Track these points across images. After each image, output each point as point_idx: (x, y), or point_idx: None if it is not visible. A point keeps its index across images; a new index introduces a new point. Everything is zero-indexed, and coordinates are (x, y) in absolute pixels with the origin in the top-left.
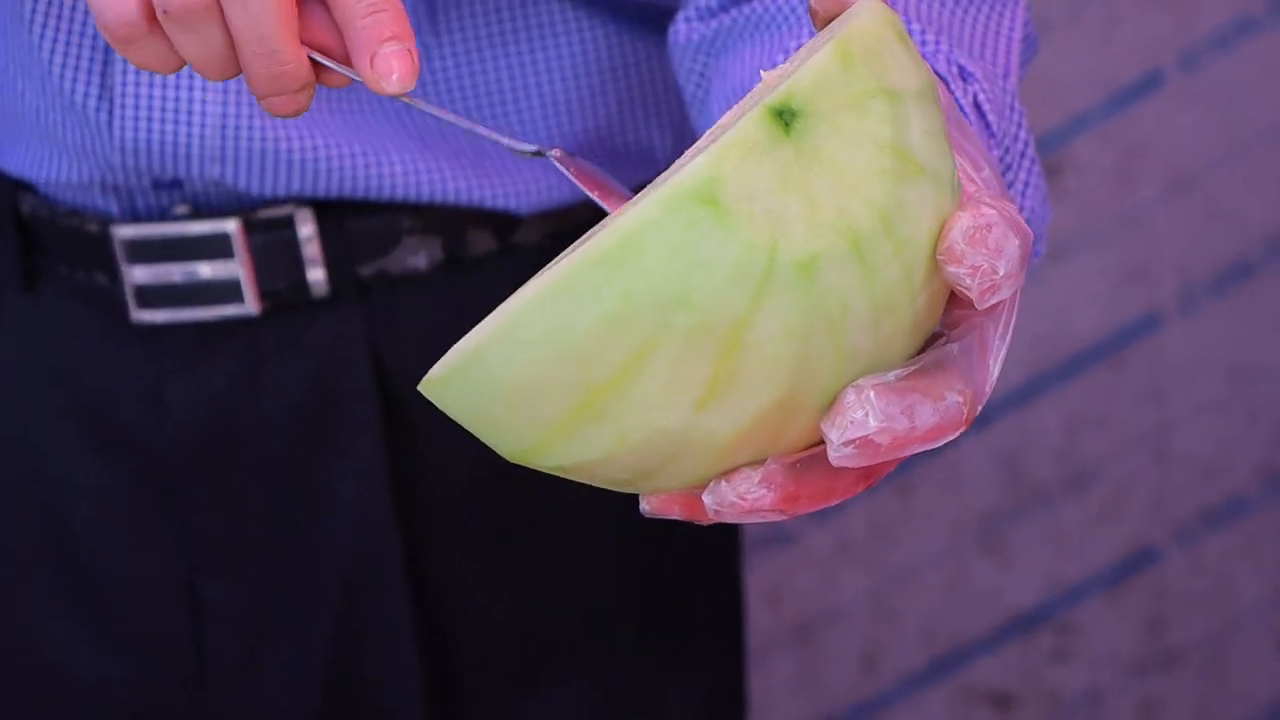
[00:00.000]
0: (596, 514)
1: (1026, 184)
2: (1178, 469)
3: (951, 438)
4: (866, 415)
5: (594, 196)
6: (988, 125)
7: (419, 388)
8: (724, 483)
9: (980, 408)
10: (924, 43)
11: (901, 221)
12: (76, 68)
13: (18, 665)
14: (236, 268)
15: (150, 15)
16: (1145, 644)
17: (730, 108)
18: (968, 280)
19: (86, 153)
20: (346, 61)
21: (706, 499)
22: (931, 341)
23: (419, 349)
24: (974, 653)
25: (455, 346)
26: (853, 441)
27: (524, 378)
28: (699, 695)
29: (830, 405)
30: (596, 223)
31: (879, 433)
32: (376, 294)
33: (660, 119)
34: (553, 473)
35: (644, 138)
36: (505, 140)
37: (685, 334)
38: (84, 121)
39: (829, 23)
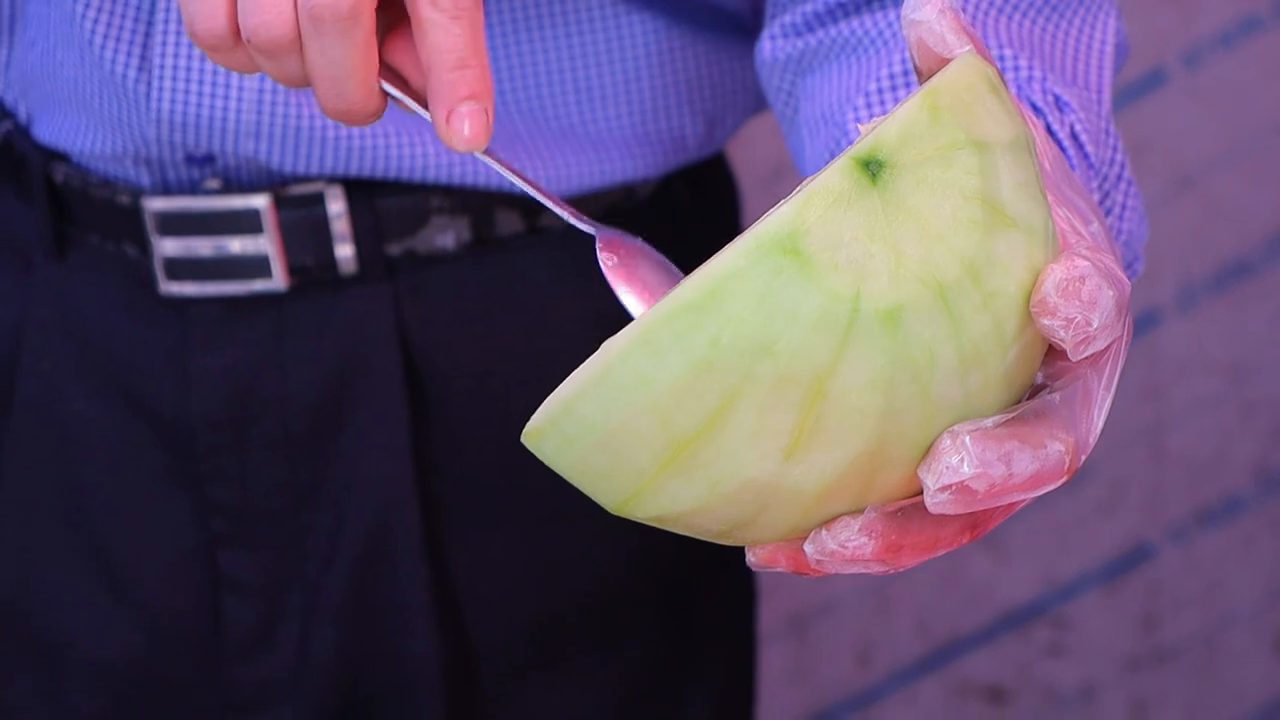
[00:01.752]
0: None
1: (1124, 207)
2: (1174, 466)
3: (1052, 487)
4: (962, 461)
5: (625, 291)
6: (1086, 156)
7: (522, 439)
8: (824, 531)
9: (1084, 457)
10: (1017, 68)
11: (990, 272)
12: (118, 39)
13: (34, 632)
14: (266, 243)
15: (236, 33)
16: (1139, 640)
17: (819, 132)
18: (1061, 333)
19: (122, 124)
20: (421, 90)
21: (808, 548)
22: (1033, 393)
23: (445, 328)
24: (969, 646)
25: (550, 397)
26: (949, 487)
27: (616, 427)
28: (714, 681)
29: (926, 453)
30: (626, 207)
31: (975, 479)
32: (404, 273)
33: (693, 107)
34: (653, 524)
35: (675, 125)
36: (567, 215)
37: (770, 383)
38: (121, 93)
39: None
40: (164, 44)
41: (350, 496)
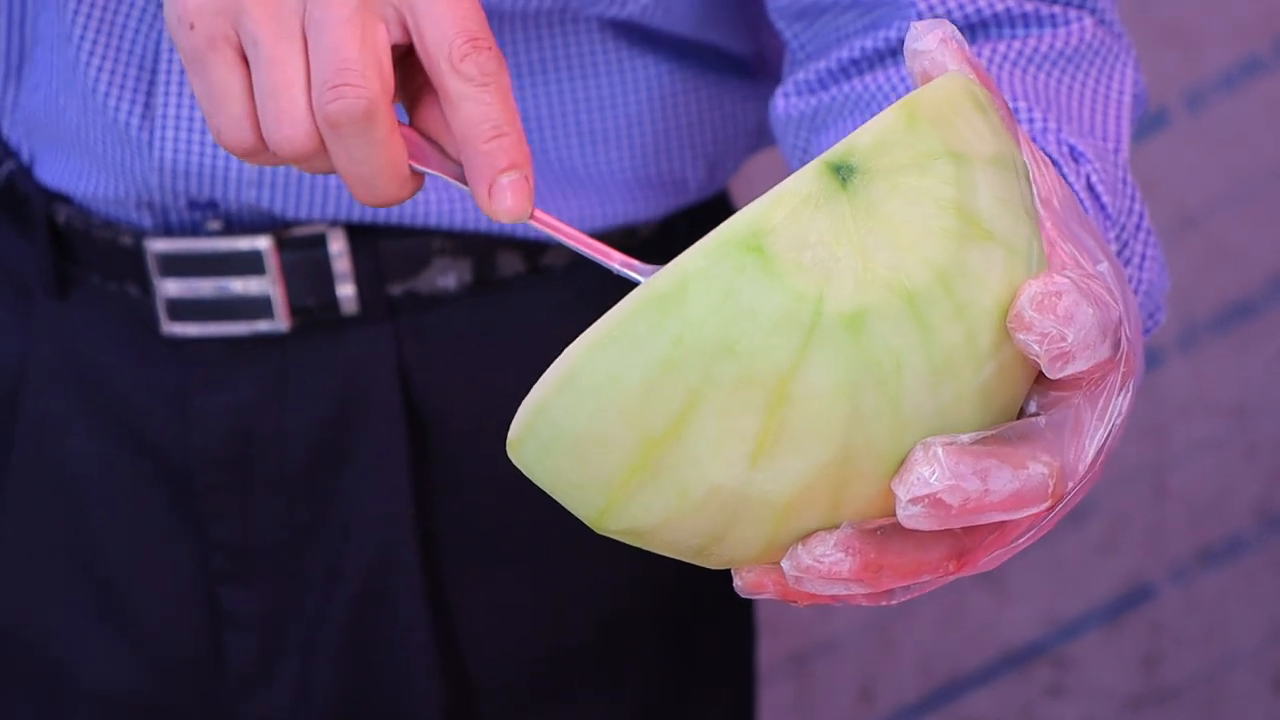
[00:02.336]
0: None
1: (1144, 257)
2: (1175, 506)
3: (1035, 511)
4: (934, 472)
5: None
6: (1102, 207)
7: (507, 451)
8: (800, 547)
9: (1072, 486)
10: (1031, 120)
11: (963, 283)
12: (121, 86)
13: (37, 666)
14: (268, 284)
15: (263, 142)
16: (1140, 680)
17: None
18: (1035, 347)
19: (124, 170)
20: (456, 157)
21: (785, 564)
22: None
23: (446, 369)
24: (970, 685)
25: (525, 400)
26: (920, 499)
27: (585, 429)
28: (714, 714)
29: (900, 466)
30: (627, 248)
31: (948, 491)
32: (406, 313)
33: (695, 150)
34: (631, 542)
35: (677, 168)
36: (618, 268)
37: (733, 383)
38: (124, 140)
39: None
40: (167, 93)
41: (350, 534)
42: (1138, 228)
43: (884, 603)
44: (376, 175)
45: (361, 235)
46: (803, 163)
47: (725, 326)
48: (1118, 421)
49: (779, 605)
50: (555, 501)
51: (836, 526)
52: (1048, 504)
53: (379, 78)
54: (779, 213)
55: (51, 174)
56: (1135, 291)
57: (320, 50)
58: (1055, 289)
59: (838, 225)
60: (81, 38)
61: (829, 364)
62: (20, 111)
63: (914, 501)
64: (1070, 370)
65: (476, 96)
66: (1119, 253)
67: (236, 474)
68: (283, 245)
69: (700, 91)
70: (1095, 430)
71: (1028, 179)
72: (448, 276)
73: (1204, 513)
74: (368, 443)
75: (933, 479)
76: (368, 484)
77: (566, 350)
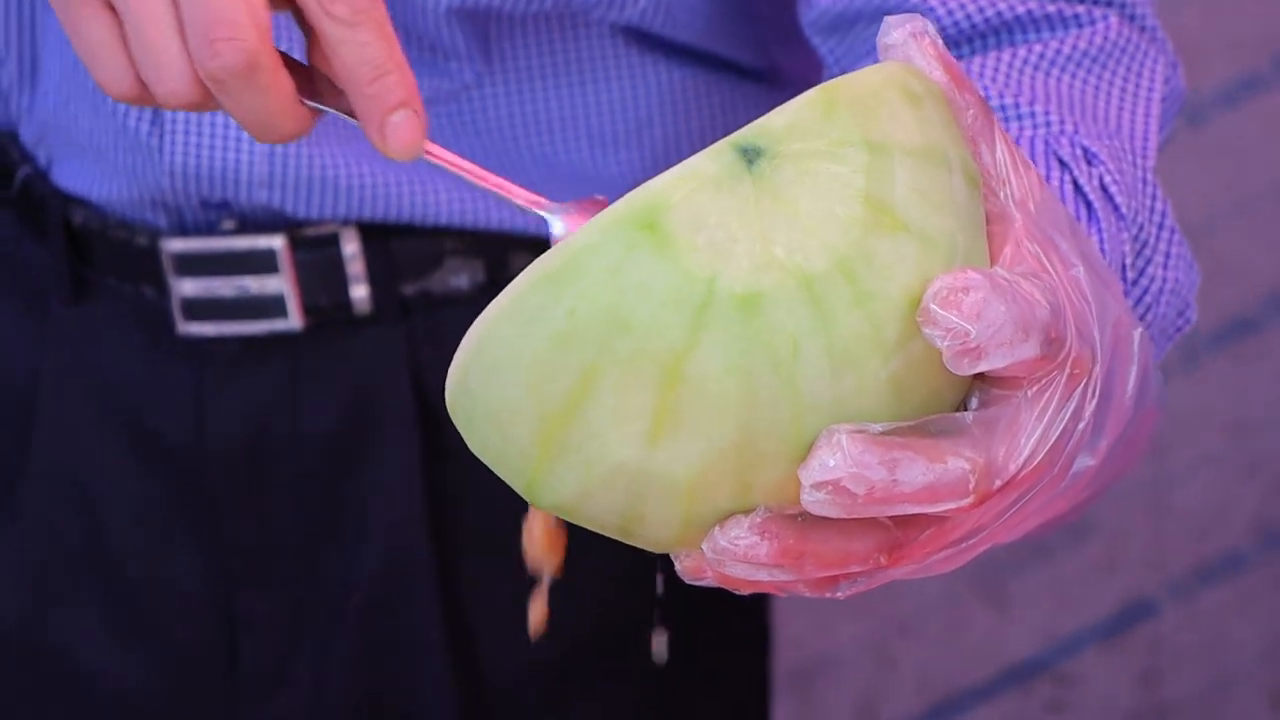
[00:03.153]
0: None
1: (1168, 255)
2: (1175, 523)
3: (954, 506)
4: (835, 458)
5: None
6: (1116, 207)
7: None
8: (718, 529)
9: (1000, 484)
10: (1048, 124)
11: (868, 272)
12: None
13: (50, 673)
14: (282, 283)
15: (148, 90)
16: (1140, 696)
17: None
18: (939, 342)
19: (137, 174)
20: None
21: (704, 546)
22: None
23: None
24: (970, 702)
25: (450, 370)
26: (823, 485)
27: (498, 401)
28: (732, 712)
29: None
30: None
31: (851, 479)
32: (418, 313)
33: None
34: (561, 516)
35: None
36: (522, 202)
37: (626, 359)
38: (135, 145)
39: None
40: None
41: (364, 535)
42: (1160, 226)
43: (826, 594)
44: (270, 118)
45: (374, 234)
46: (835, 67)
47: (617, 301)
48: (1067, 425)
49: (780, 623)
50: None
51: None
52: (970, 500)
53: (254, 25)
54: (678, 191)
55: (67, 177)
56: (1160, 290)
57: (191, 4)
58: (963, 284)
59: (739, 207)
60: None
61: (721, 345)
62: (35, 115)
63: (816, 487)
64: (982, 367)
65: (351, 38)
66: (1139, 252)
67: (251, 476)
68: (296, 244)
69: (712, 96)
70: (1033, 430)
71: (969, 177)
72: (460, 277)
73: (1204, 529)
74: (381, 443)
75: (834, 465)
76: (381, 484)
77: (478, 318)
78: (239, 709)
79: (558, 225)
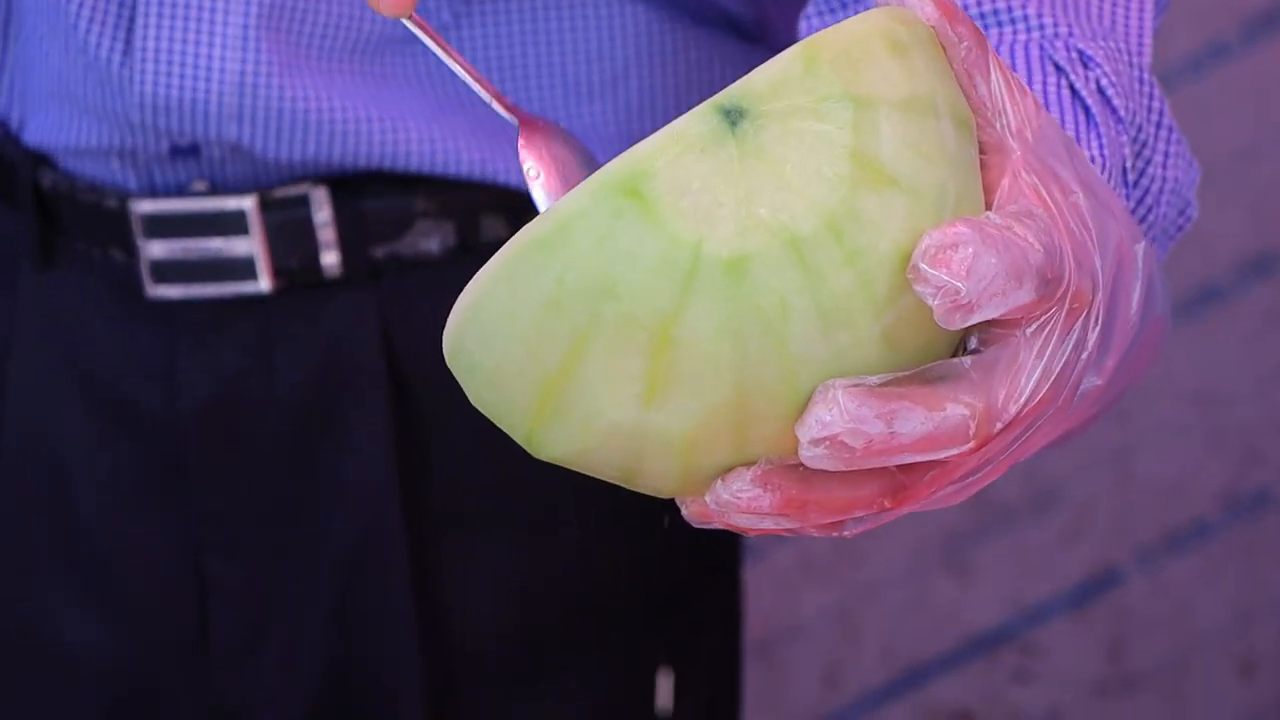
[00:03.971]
0: (601, 505)
1: (1167, 154)
2: (1141, 491)
3: (956, 452)
4: (831, 414)
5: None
6: (1114, 110)
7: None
8: (720, 482)
9: (999, 425)
10: (1042, 26)
11: (856, 230)
12: (103, 22)
13: (20, 641)
14: (251, 244)
15: None
16: (1106, 665)
17: None
18: (930, 300)
19: (106, 113)
20: None
21: (707, 498)
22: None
23: (430, 333)
24: (936, 671)
25: (447, 325)
26: (820, 441)
27: (496, 362)
28: (701, 694)
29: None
30: None
31: (848, 434)
32: (388, 277)
33: (681, 107)
34: (564, 465)
35: (662, 125)
36: (492, 100)
37: (616, 325)
38: (106, 78)
39: None
40: (146, 26)
41: (336, 501)
42: (1158, 125)
43: (833, 534)
44: None
45: (344, 194)
46: None
47: (605, 268)
48: (1069, 357)
49: (745, 592)
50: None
51: (754, 462)
52: (970, 445)
53: None
54: (662, 156)
55: (34, 131)
56: (1160, 190)
57: None
58: (952, 240)
59: (723, 170)
60: None
61: (710, 308)
62: (11, 70)
63: (814, 443)
64: (975, 319)
65: None
66: (1138, 153)
67: (222, 441)
68: (266, 205)
69: (690, 51)
70: (1033, 369)
71: (959, 120)
72: (431, 240)
73: (1170, 498)
74: (352, 408)
75: (831, 421)
76: (352, 450)
77: (472, 280)
78: (210, 676)
79: (520, 140)
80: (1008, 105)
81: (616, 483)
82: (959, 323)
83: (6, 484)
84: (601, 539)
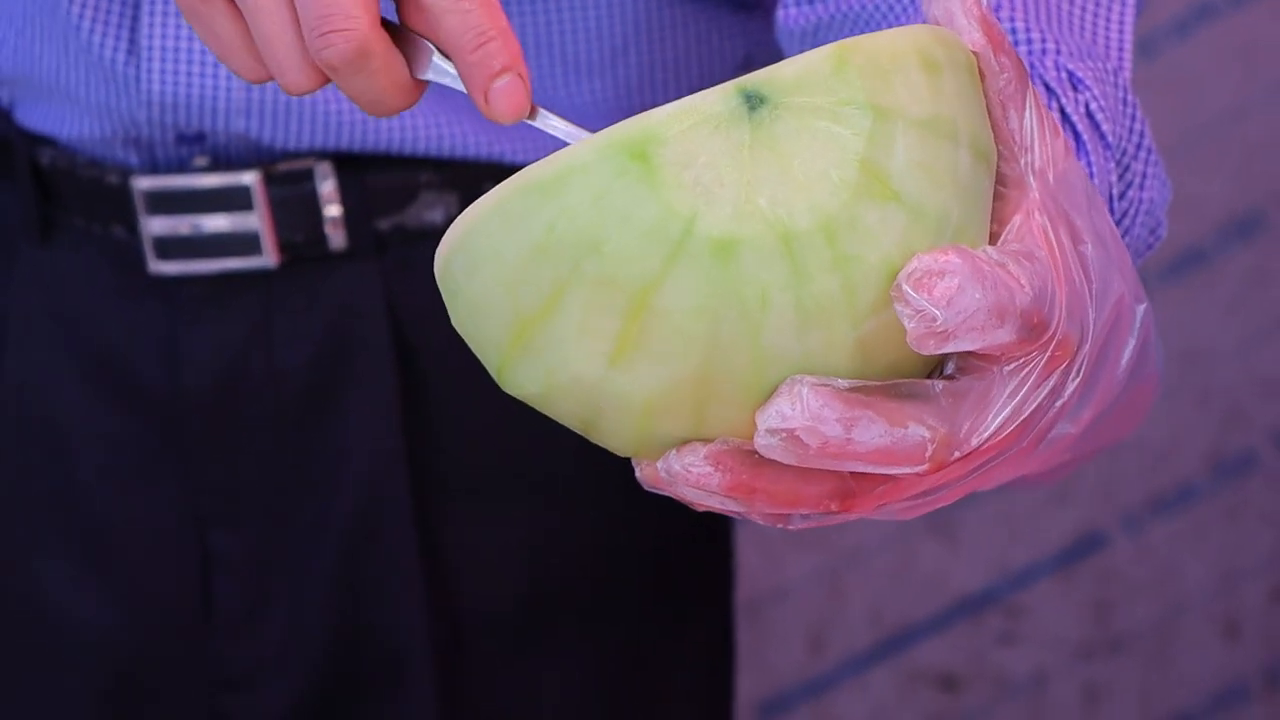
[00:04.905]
0: (604, 473)
1: (1144, 175)
2: (1127, 454)
3: (909, 471)
4: (793, 407)
5: None
6: (1102, 135)
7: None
8: (674, 452)
9: (957, 454)
10: (1030, 41)
11: (850, 237)
12: (106, 24)
13: (22, 613)
14: (255, 220)
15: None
16: (1091, 628)
17: None
18: (906, 322)
19: (110, 110)
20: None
21: (659, 464)
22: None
23: (435, 303)
24: (921, 634)
25: (439, 246)
26: (777, 431)
27: (478, 292)
28: (699, 655)
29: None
30: None
31: (805, 430)
32: (393, 248)
33: (679, 85)
34: (531, 404)
35: (660, 101)
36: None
37: (596, 281)
38: (110, 77)
39: None
40: (151, 25)
41: (340, 472)
42: (1138, 147)
43: (780, 525)
44: (382, 96)
45: (349, 169)
46: None
47: (596, 224)
48: (1042, 402)
49: None
50: (544, 439)
51: (710, 440)
52: (924, 468)
53: (364, 12)
54: (676, 126)
55: (32, 118)
56: (1137, 212)
57: None
58: (940, 267)
59: (732, 151)
60: None
61: (692, 283)
62: None
63: (770, 432)
64: (949, 349)
65: (454, 7)
66: (1121, 176)
67: (225, 414)
68: (270, 180)
69: (689, 26)
70: (1003, 407)
71: (978, 152)
72: (435, 210)
73: (1155, 461)
74: (357, 380)
75: (791, 415)
76: (357, 421)
77: (469, 207)
78: (214, 648)
79: None
80: (1036, 143)
81: (577, 431)
82: (931, 349)
83: (6, 456)
84: (602, 500)
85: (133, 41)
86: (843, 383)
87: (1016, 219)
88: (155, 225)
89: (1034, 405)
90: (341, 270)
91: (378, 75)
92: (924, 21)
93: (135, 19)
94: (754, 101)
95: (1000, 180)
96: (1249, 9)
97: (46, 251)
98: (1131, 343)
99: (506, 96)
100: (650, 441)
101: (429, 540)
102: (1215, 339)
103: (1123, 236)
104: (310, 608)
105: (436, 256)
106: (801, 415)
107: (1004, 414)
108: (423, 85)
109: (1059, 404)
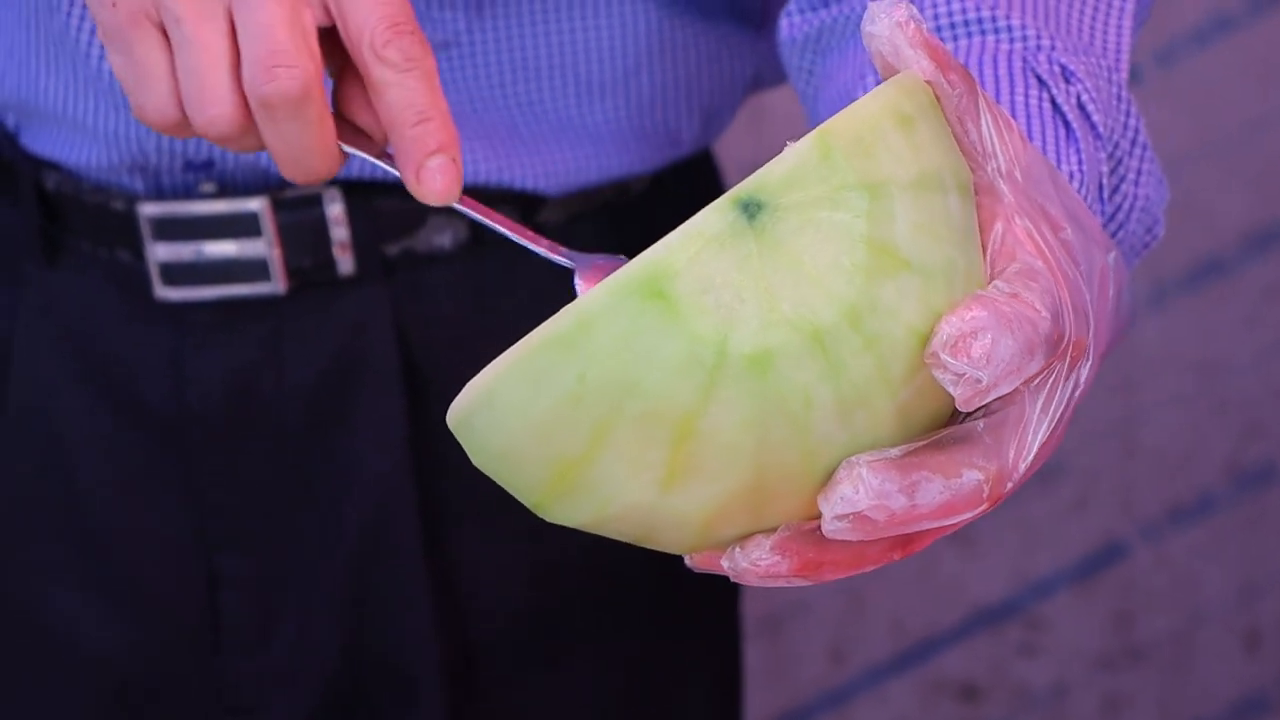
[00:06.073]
0: None
1: (1139, 172)
2: (1146, 463)
3: (970, 516)
4: (858, 491)
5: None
6: (1093, 126)
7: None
8: (738, 549)
9: (1010, 485)
10: (1025, 38)
11: (874, 317)
12: None
13: (30, 632)
14: (264, 246)
15: (186, 118)
16: (1112, 638)
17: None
18: (951, 388)
19: (118, 138)
20: (382, 140)
21: (724, 563)
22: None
23: (444, 328)
24: (942, 645)
25: (452, 406)
26: (845, 516)
27: (505, 446)
28: (708, 669)
29: (828, 480)
30: (620, 204)
31: (873, 509)
32: (402, 273)
33: (690, 103)
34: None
35: (672, 120)
36: (545, 251)
37: (637, 419)
38: (119, 105)
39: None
40: None
41: (348, 494)
42: (1133, 143)
43: (819, 581)
44: (308, 154)
45: (357, 194)
46: (809, 85)
47: (628, 367)
48: (1070, 400)
49: None
50: None
51: (772, 530)
52: (984, 507)
53: (311, 59)
54: (683, 255)
55: (38, 143)
56: (1131, 208)
57: (250, 31)
58: (971, 328)
59: (743, 264)
60: (71, 5)
61: (734, 403)
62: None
63: (839, 518)
64: (992, 397)
65: (400, 82)
66: (1113, 169)
67: (232, 437)
68: (278, 206)
69: (700, 44)
70: (1039, 425)
71: (962, 187)
72: (443, 235)
73: (1175, 470)
74: (365, 403)
75: (857, 498)
76: (365, 444)
77: (485, 369)
78: (222, 667)
79: (579, 280)
80: (998, 147)
81: (623, 540)
82: (977, 404)
83: (13, 476)
84: None
85: None
86: (895, 451)
87: (998, 226)
88: (161, 251)
89: (1064, 407)
90: (350, 295)
91: (311, 126)
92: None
93: None
94: (751, 210)
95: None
96: (1269, 19)
97: (53, 273)
98: (1111, 291)
99: (439, 176)
100: (710, 542)
101: (437, 560)
102: (1234, 350)
103: (1118, 231)
104: (318, 627)
105: (451, 412)
106: (866, 496)
107: (1043, 430)
108: (345, 157)
109: (1079, 392)
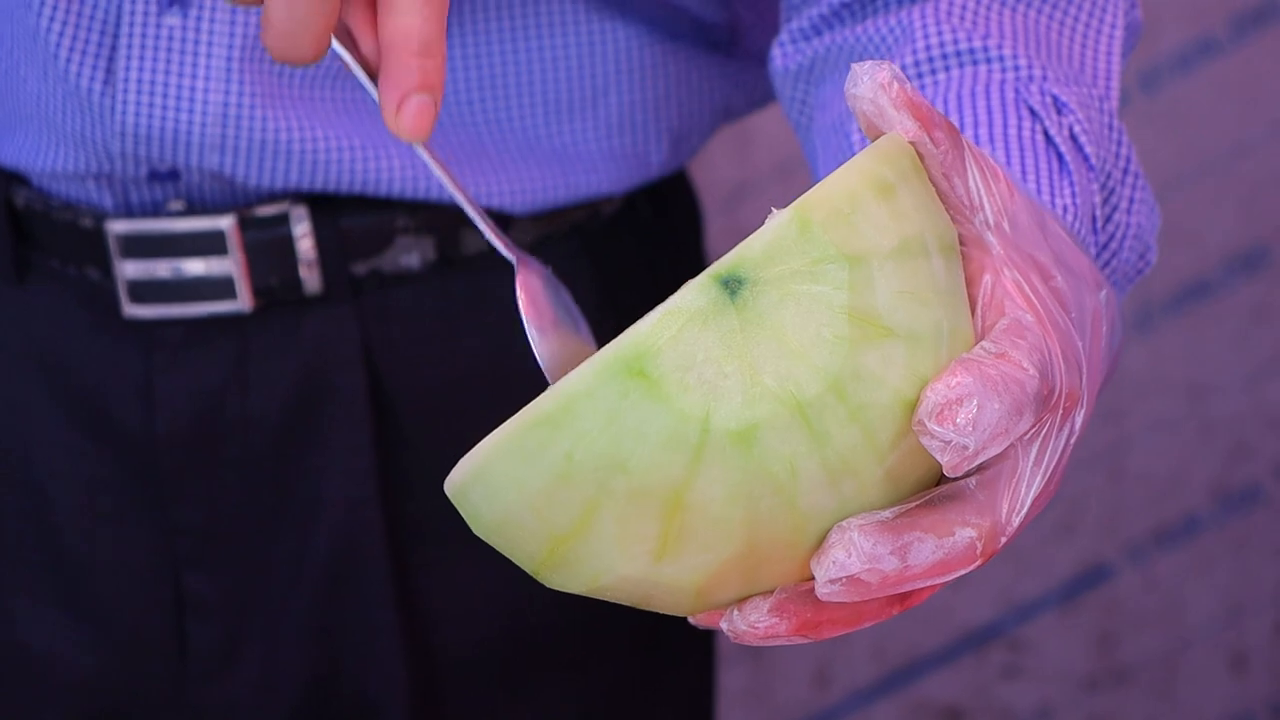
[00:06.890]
0: None
1: (1132, 200)
2: (1132, 486)
3: (964, 572)
4: (849, 555)
5: (532, 327)
6: (1085, 158)
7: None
8: (736, 612)
9: (1004, 540)
10: (1017, 68)
11: (858, 387)
12: (84, 52)
13: (0, 652)
14: (230, 265)
15: None
16: (1096, 661)
17: (830, 142)
18: (939, 455)
19: (85, 140)
20: (371, 59)
21: (722, 625)
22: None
23: (411, 348)
24: (926, 668)
25: (449, 477)
26: (838, 580)
27: (500, 518)
28: (681, 699)
29: (820, 544)
30: (591, 226)
31: (866, 573)
32: (369, 293)
33: (659, 125)
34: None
35: (640, 141)
36: (491, 235)
37: (627, 495)
38: (86, 106)
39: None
40: (129, 57)
41: (315, 516)
42: (1125, 172)
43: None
44: (302, 29)
45: (324, 212)
46: (802, 114)
47: (614, 446)
48: (1064, 449)
49: None
50: None
51: (770, 592)
52: (978, 563)
53: None
54: (665, 333)
55: (9, 152)
56: (1124, 236)
57: None
58: (956, 395)
59: (725, 340)
60: (42, 4)
61: (721, 477)
62: None
63: (832, 582)
64: (979, 461)
65: (414, 9)
66: (1106, 199)
67: (200, 457)
68: (245, 225)
69: (669, 66)
70: (1033, 477)
71: (946, 248)
72: (411, 255)
73: (1161, 493)
74: (332, 424)
75: (849, 562)
76: (332, 465)
77: (475, 447)
78: (189, 691)
79: (517, 278)
80: (985, 199)
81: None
82: (965, 469)
83: None
84: None
85: (109, 71)
86: (887, 514)
87: (987, 279)
88: (129, 269)
89: (1057, 458)
90: (317, 314)
91: (319, 2)
92: (899, 59)
93: (114, 49)
94: (732, 286)
95: (960, 240)
96: (1252, 44)
97: (22, 290)
98: (1104, 329)
99: (418, 112)
100: (707, 608)
101: (404, 584)
102: (1220, 372)
103: (1110, 261)
104: (285, 651)
105: (448, 484)
106: (858, 560)
107: (1037, 483)
108: (324, 51)
109: (1074, 439)
